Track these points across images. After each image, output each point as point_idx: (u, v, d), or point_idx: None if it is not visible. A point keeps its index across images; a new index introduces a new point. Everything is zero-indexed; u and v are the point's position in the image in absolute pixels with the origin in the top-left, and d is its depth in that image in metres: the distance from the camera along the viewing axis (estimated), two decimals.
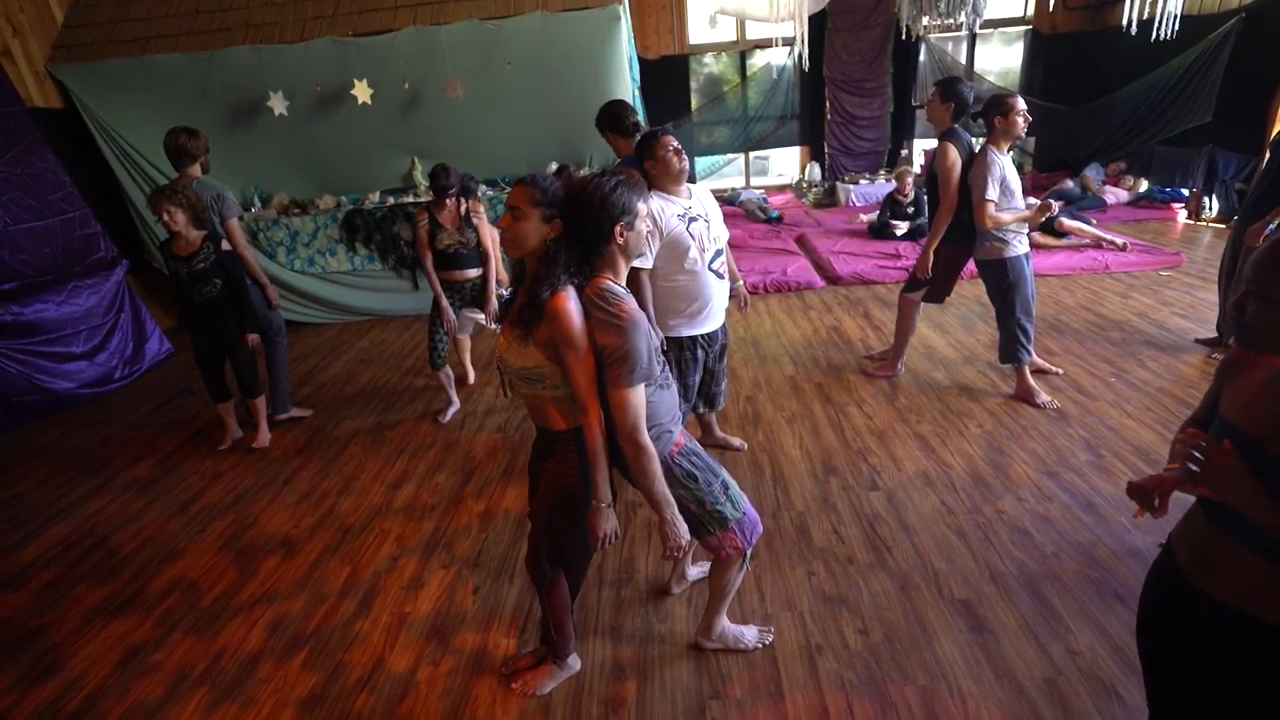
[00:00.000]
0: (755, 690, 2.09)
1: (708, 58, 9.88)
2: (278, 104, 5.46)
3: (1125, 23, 5.68)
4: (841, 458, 3.32)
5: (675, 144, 2.71)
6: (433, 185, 3.78)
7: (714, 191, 3.25)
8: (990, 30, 9.26)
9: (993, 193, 3.41)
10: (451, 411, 4.12)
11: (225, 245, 3.66)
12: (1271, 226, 3.55)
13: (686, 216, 2.75)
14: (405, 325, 5.94)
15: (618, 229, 1.71)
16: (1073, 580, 2.42)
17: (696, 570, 2.55)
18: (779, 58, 9.33)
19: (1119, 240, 6.07)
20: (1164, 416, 3.44)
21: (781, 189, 10.29)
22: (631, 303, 1.72)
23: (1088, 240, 6.19)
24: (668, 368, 1.93)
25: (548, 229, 1.71)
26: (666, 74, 9.18)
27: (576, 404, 1.73)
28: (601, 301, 1.69)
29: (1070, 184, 7.95)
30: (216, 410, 3.97)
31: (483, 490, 3.33)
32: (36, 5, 5.52)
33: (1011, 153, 3.55)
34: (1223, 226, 6.82)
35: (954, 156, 3.50)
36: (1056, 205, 3.58)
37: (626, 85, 5.73)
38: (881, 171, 9.43)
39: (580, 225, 1.70)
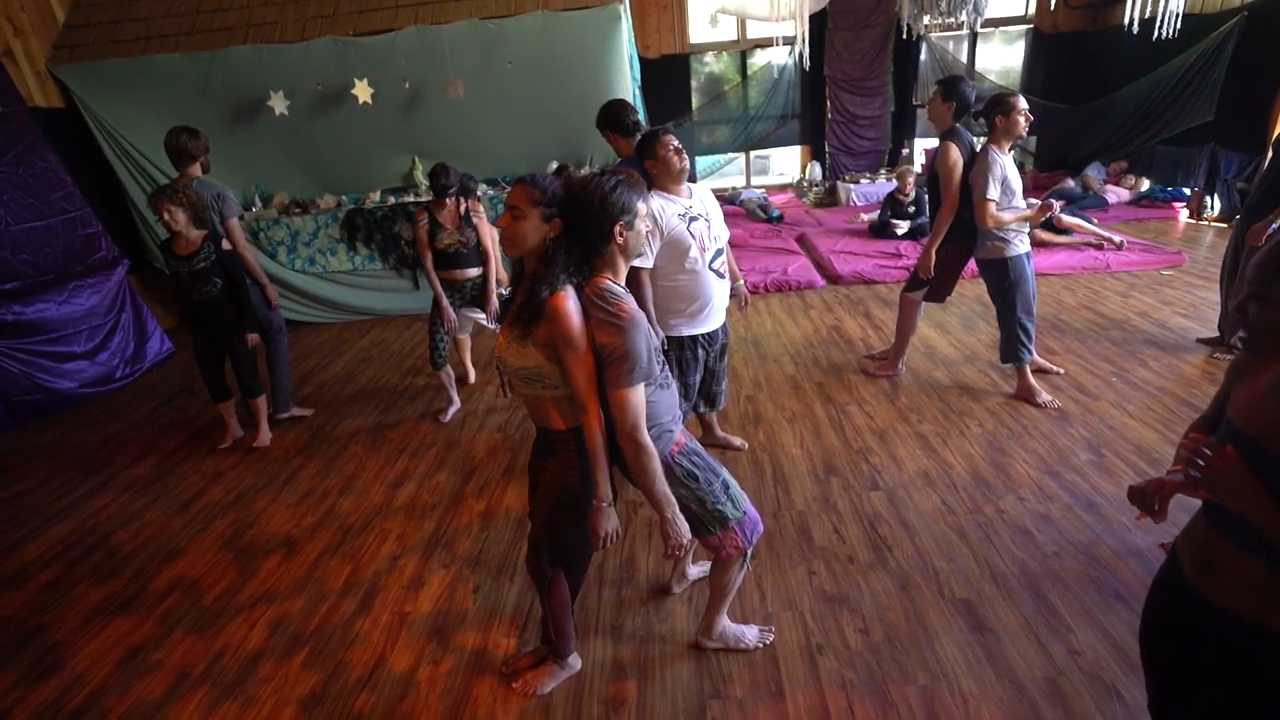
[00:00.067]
0: (756, 690, 2.09)
1: (708, 57, 9.88)
2: (278, 104, 5.46)
3: (1127, 22, 5.68)
4: (842, 457, 3.31)
5: (676, 143, 2.70)
6: (432, 185, 3.78)
7: (714, 191, 3.25)
8: (991, 29, 9.26)
9: (994, 192, 3.40)
10: (452, 411, 4.12)
11: (226, 245, 3.67)
12: (1274, 226, 3.53)
13: (687, 216, 2.75)
14: (406, 325, 5.94)
15: (617, 228, 1.71)
16: (1074, 580, 2.42)
17: (697, 570, 2.55)
18: (780, 57, 9.33)
19: (1116, 238, 6.07)
20: (1165, 416, 3.44)
21: (782, 188, 10.28)
22: (631, 302, 1.72)
23: (1089, 238, 6.19)
24: (668, 367, 1.92)
25: (547, 228, 1.71)
26: (667, 73, 9.18)
27: (576, 404, 1.72)
28: (601, 301, 1.69)
29: (1071, 183, 7.94)
30: (217, 410, 3.97)
31: (483, 490, 3.33)
32: (37, 5, 5.52)
33: (1013, 152, 3.54)
34: (1224, 226, 6.82)
35: (955, 156, 3.49)
36: (1057, 205, 3.57)
37: (627, 84, 5.73)
38: (882, 171, 9.42)
39: (580, 225, 1.70)
